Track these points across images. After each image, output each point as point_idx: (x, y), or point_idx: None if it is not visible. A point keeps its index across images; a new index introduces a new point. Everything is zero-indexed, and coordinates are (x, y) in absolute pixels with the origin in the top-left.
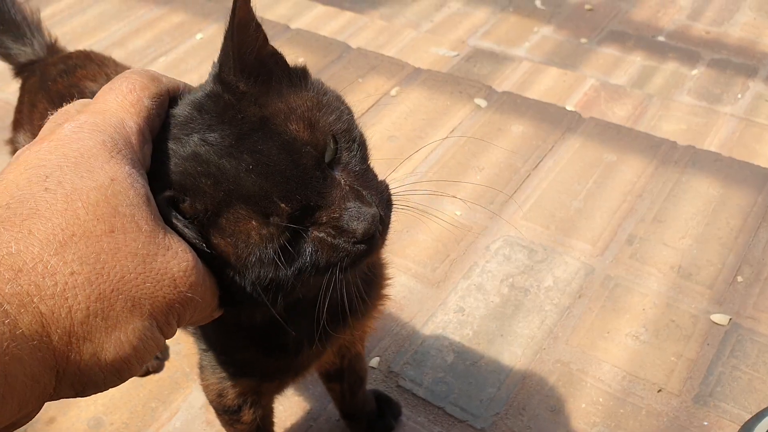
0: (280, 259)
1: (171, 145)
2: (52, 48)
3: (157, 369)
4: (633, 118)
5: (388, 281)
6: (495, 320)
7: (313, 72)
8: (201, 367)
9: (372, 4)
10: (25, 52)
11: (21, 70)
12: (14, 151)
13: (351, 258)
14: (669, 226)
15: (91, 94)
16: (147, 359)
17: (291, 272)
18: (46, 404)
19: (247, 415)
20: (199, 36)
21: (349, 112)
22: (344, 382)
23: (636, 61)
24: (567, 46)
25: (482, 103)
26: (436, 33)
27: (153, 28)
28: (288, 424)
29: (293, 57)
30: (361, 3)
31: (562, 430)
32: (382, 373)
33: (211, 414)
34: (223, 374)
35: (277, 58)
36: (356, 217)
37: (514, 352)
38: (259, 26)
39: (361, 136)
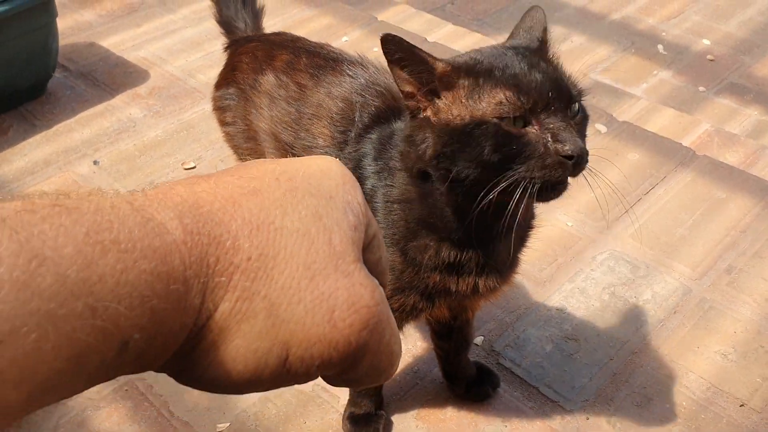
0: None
1: None
2: (261, 31)
3: None
4: (744, 166)
5: (518, 270)
6: (593, 321)
7: None
8: None
9: (497, 29)
10: (241, 31)
11: (230, 45)
12: (219, 105)
13: (553, 170)
14: None
15: (333, 55)
16: (247, 387)
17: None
18: None
19: None
20: (344, 39)
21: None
22: (452, 341)
23: (753, 114)
24: (684, 92)
25: (602, 128)
26: None
27: (304, 27)
28: (397, 379)
29: None
30: (487, 27)
31: (644, 422)
32: (485, 351)
33: None
34: None
35: None
36: (569, 140)
37: (607, 351)
38: None
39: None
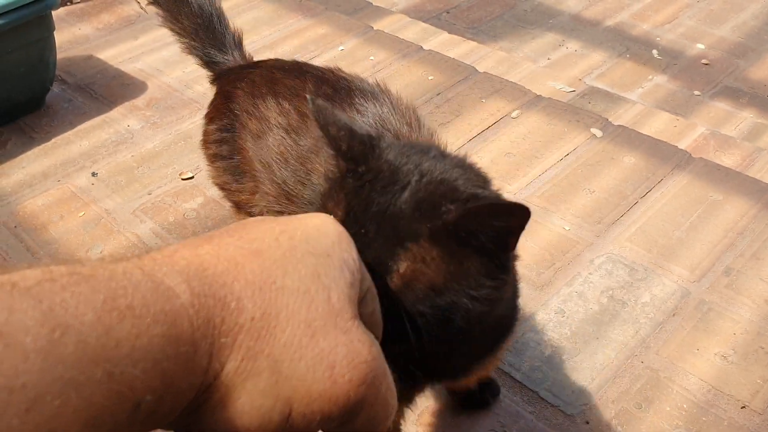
0: None
1: None
2: (249, 61)
3: None
4: (740, 168)
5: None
6: (592, 325)
7: (440, 90)
8: None
9: (492, 37)
10: (226, 62)
11: (218, 76)
12: (213, 139)
13: None
14: (767, 264)
15: (344, 83)
16: None
17: None
18: None
19: None
20: (340, 48)
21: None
22: None
23: (748, 117)
24: (679, 96)
25: (598, 133)
26: (553, 69)
27: (300, 37)
28: None
29: (425, 74)
30: (482, 35)
31: (645, 425)
32: None
33: None
34: None
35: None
36: None
37: (607, 355)
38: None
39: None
